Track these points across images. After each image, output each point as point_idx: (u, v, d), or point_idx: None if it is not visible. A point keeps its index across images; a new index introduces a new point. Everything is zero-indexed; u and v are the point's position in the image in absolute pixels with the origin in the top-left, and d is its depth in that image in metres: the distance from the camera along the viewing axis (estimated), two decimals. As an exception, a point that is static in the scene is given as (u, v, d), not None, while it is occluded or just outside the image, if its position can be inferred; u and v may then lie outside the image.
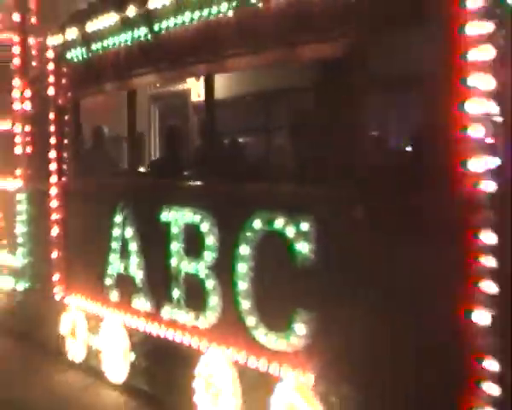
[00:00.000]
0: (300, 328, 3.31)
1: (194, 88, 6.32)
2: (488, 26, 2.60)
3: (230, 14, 3.61)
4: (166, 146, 4.67)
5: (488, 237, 2.65)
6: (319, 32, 3.13)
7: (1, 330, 6.17)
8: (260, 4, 3.43)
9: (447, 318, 2.71)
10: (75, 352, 5.16)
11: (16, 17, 5.67)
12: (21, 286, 5.86)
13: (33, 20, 5.71)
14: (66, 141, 5.24)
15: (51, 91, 5.22)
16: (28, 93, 5.61)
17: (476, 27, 2.61)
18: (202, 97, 5.98)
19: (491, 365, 2.65)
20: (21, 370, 5.20)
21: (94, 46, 4.70)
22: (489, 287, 2.66)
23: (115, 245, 4.59)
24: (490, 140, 2.63)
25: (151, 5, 4.07)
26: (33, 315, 5.72)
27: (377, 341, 2.98)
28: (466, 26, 2.62)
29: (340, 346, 3.14)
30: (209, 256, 3.81)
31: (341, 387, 3.18)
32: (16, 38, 5.66)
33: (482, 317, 2.65)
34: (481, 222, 2.65)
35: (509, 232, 2.64)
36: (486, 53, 2.61)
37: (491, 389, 2.64)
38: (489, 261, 2.65)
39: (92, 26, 4.65)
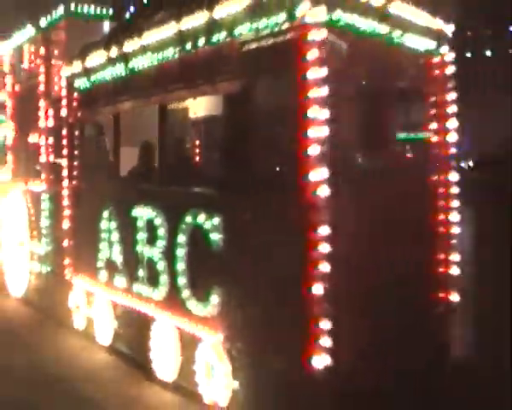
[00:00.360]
0: (215, 299, 4.36)
1: (191, 107, 7.41)
2: (322, 72, 3.55)
3: (176, 57, 4.70)
4: (140, 157, 5.83)
5: (324, 230, 3.60)
6: (225, 75, 4.17)
7: (29, 303, 7.59)
8: (193, 51, 4.50)
9: (298, 289, 3.67)
10: (78, 322, 6.42)
11: (42, 50, 7.05)
12: (45, 269, 7.21)
13: (56, 52, 7.03)
14: (76, 151, 6.50)
15: (64, 112, 6.52)
16: (50, 112, 6.95)
17: (314, 73, 3.56)
18: (197, 114, 7.14)
19: (325, 324, 3.60)
20: (37, 334, 6.53)
21: (92, 77, 5.93)
22: (325, 267, 3.61)
23: (104, 235, 5.79)
24: (324, 157, 3.58)
25: (126, 49, 5.24)
26: (52, 293, 7.05)
27: (259, 308, 3.98)
28: (307, 73, 3.58)
29: (237, 313, 4.16)
30: (160, 244, 4.92)
31: (238, 344, 4.19)
32: (42, 68, 7.03)
33: (319, 289, 3.60)
34: (319, 219, 3.60)
35: (340, 225, 3.59)
36: (322, 91, 3.56)
37: (326, 341, 3.59)
38: (325, 248, 3.60)
39: (90, 61, 5.88)
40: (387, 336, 3.97)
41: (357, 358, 3.69)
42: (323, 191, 3.58)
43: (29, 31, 7.42)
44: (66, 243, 6.60)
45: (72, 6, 6.60)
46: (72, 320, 6.53)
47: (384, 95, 4.61)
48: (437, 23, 4.78)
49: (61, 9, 6.66)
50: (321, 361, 3.57)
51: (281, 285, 3.81)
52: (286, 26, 3.68)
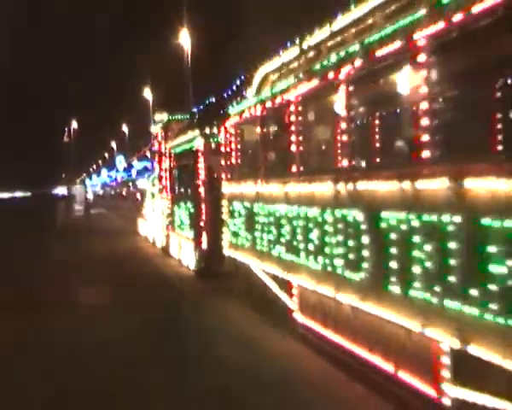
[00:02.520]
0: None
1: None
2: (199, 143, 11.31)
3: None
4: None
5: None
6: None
7: (163, 250, 16.17)
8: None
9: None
10: (188, 259, 14.73)
11: (163, 133, 15.72)
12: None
13: (169, 134, 15.61)
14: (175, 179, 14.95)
15: (167, 163, 15.05)
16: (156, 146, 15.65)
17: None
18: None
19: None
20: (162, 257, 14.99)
21: (177, 149, 14.27)
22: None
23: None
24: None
25: (189, 136, 13.54)
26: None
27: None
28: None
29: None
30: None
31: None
32: (162, 142, 15.68)
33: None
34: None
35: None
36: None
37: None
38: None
39: (176, 140, 14.24)
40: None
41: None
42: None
43: (161, 123, 16.17)
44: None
45: (172, 116, 15.24)
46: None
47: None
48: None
49: (166, 117, 15.31)
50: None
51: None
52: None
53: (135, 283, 11.51)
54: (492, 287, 3.39)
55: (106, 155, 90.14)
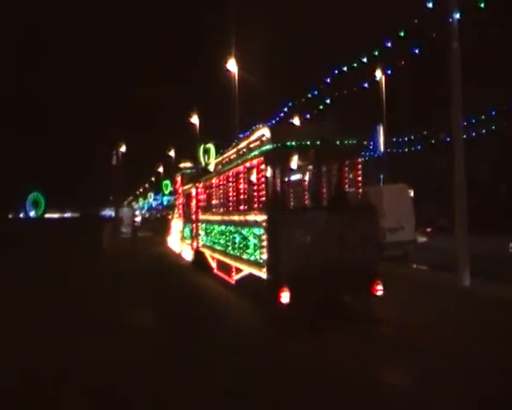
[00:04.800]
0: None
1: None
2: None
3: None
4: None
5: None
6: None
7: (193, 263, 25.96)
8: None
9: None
10: (187, 255, 24.40)
11: (180, 178, 25.61)
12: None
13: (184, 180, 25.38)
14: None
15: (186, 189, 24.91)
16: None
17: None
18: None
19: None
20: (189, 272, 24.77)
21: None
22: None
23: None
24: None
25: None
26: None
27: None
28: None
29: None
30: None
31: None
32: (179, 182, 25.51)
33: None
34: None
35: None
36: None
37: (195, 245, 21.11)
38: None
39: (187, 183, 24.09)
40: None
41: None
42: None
43: (179, 172, 26.01)
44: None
45: (185, 170, 25.13)
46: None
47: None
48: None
49: (180, 170, 25.24)
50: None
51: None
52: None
53: (163, 265, 22.06)
54: (244, 248, 12.95)
55: (153, 179, 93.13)
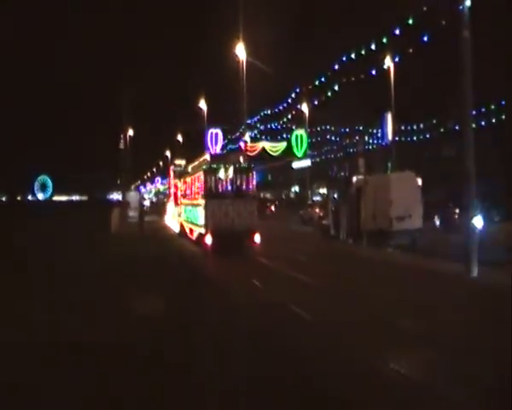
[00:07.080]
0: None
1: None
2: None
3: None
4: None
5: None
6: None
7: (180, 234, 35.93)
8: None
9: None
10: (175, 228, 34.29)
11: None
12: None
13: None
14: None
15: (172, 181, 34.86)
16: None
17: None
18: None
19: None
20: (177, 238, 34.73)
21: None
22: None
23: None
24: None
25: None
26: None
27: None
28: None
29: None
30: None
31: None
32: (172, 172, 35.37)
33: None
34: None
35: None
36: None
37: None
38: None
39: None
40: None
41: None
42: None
43: (173, 166, 35.80)
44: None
45: (176, 167, 35.14)
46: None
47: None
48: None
49: (173, 166, 35.28)
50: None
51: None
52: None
53: (158, 235, 32.03)
54: (196, 218, 22.86)
55: (160, 163, 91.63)
